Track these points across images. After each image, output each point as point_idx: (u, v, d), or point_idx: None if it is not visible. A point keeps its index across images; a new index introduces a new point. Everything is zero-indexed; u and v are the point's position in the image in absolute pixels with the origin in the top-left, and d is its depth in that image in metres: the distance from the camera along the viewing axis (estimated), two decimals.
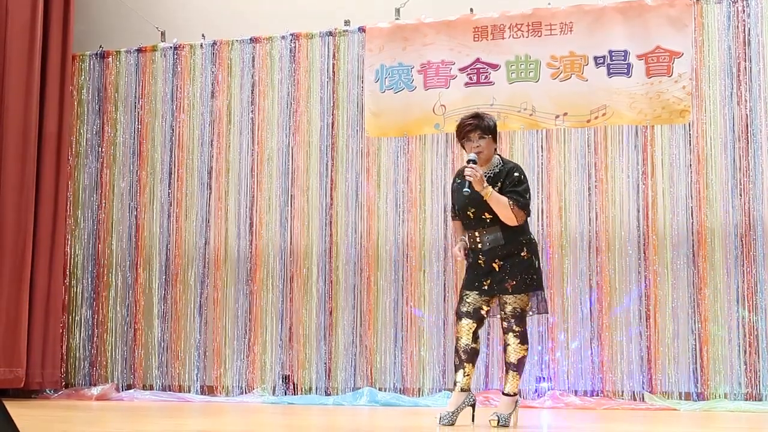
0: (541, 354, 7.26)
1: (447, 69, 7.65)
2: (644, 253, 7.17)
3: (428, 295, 7.55)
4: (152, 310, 8.18)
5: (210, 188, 8.17)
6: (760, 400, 6.77)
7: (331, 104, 7.93)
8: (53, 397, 7.88)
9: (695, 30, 7.17)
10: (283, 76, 8.07)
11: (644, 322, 7.12)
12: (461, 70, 7.62)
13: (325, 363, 7.69)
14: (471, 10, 7.66)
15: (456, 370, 5.13)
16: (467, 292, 5.12)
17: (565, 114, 7.36)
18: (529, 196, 5.12)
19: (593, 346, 7.18)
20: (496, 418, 5.00)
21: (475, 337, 5.10)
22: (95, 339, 8.28)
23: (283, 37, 8.09)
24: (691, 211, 7.12)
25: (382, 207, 7.74)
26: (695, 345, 7.00)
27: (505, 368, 5.13)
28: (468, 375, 5.09)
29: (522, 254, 5.06)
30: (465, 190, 4.96)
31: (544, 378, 7.23)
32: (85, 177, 8.48)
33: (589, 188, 7.35)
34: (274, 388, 7.74)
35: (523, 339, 5.06)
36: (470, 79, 7.60)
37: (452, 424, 5.01)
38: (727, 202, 7.04)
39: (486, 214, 5.05)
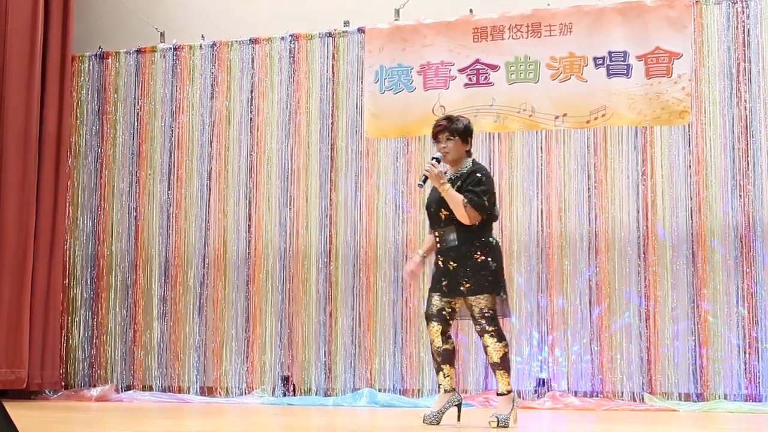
0: (540, 355, 7.26)
1: (446, 70, 7.65)
2: (644, 254, 7.17)
3: (428, 295, 7.53)
4: (152, 310, 8.18)
5: (209, 189, 8.17)
6: (760, 400, 6.77)
7: (331, 105, 7.93)
8: (53, 398, 7.88)
9: (695, 31, 7.17)
10: (283, 77, 8.07)
11: (644, 322, 7.12)
12: (461, 71, 7.62)
13: (325, 364, 7.69)
14: (470, 10, 7.66)
15: (436, 374, 5.28)
16: (431, 294, 5.27)
17: (565, 115, 7.36)
18: (489, 200, 5.13)
19: (593, 347, 7.18)
20: (496, 419, 5.02)
21: (446, 338, 5.21)
22: (95, 340, 8.28)
23: (282, 38, 8.09)
24: (691, 211, 7.12)
25: (382, 208, 7.74)
26: (695, 346, 7.00)
27: (491, 369, 5.19)
28: (448, 376, 5.21)
29: (476, 256, 5.09)
30: (419, 183, 5.18)
31: (543, 379, 7.23)
32: (84, 178, 8.47)
33: (589, 189, 7.35)
34: (274, 389, 7.74)
35: (500, 337, 5.10)
36: (470, 80, 7.60)
37: (437, 423, 5.13)
38: (727, 203, 7.04)
39: (443, 211, 5.16)
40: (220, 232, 8.09)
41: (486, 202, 5.10)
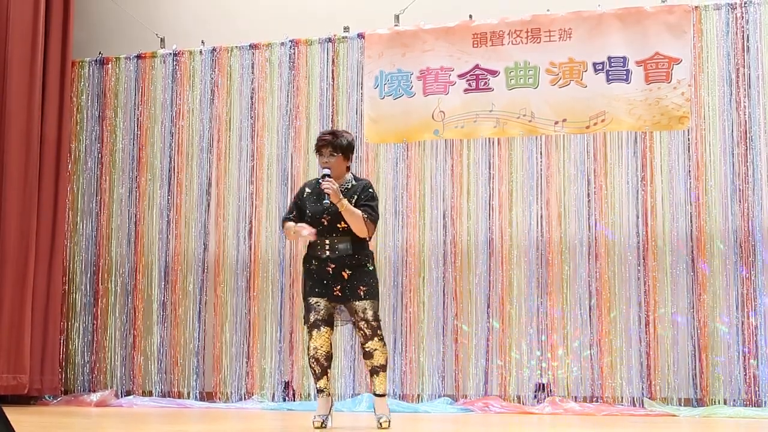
0: (540, 360, 7.26)
1: (446, 75, 7.65)
2: (643, 259, 7.18)
3: (428, 301, 7.55)
4: (151, 316, 8.18)
5: (209, 194, 8.17)
6: (760, 405, 6.77)
7: (331, 110, 7.94)
8: (52, 404, 7.87)
9: (694, 36, 7.18)
10: (283, 82, 8.08)
11: (643, 327, 7.12)
12: (460, 76, 7.63)
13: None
14: (470, 16, 7.68)
15: (318, 379, 5.41)
16: (317, 300, 5.38)
17: (564, 120, 7.37)
18: (378, 213, 5.45)
19: (592, 352, 7.18)
20: (387, 420, 5.33)
21: (331, 344, 5.40)
22: (94, 345, 8.27)
23: (282, 44, 8.10)
24: (690, 217, 7.12)
25: (381, 213, 7.72)
26: (694, 351, 7.00)
27: (374, 371, 5.36)
28: (330, 380, 5.48)
29: (368, 265, 5.40)
30: (325, 201, 5.28)
31: (543, 384, 7.23)
32: (84, 183, 8.48)
33: (589, 194, 7.35)
34: (274, 394, 7.74)
35: (384, 340, 5.39)
36: (469, 85, 7.61)
37: (326, 427, 5.39)
38: (726, 208, 7.05)
39: (341, 224, 5.34)
40: (220, 237, 8.09)
41: (378, 217, 5.44)
